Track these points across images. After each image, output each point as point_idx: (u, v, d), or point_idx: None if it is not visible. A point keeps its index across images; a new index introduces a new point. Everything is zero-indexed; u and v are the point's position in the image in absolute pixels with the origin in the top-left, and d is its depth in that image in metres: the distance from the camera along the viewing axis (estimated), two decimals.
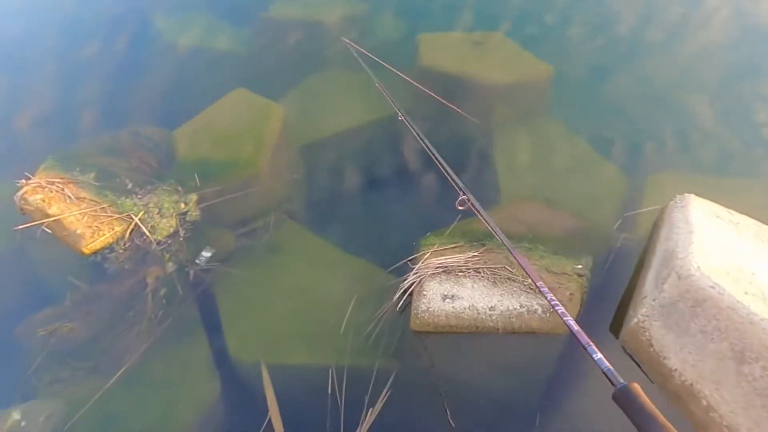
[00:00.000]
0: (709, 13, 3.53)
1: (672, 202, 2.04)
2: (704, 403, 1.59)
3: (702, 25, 3.47)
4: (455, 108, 2.00)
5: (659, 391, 1.74)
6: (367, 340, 1.98)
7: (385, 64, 2.43)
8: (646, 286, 1.84)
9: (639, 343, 1.77)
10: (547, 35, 3.49)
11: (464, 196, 1.85)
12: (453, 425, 1.87)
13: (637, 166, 2.67)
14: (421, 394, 1.91)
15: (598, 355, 1.20)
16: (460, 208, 1.86)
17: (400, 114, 2.25)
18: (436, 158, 1.98)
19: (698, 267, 1.58)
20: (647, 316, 1.72)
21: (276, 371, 1.94)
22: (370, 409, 1.79)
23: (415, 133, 2.11)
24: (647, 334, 1.73)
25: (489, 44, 3.16)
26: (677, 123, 2.87)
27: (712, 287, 1.52)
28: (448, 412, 1.85)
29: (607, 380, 1.22)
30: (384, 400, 1.83)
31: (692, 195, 2.01)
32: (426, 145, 2.04)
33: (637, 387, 1.09)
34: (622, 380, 1.11)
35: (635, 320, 1.77)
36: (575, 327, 1.31)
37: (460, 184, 1.89)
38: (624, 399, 1.08)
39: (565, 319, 1.34)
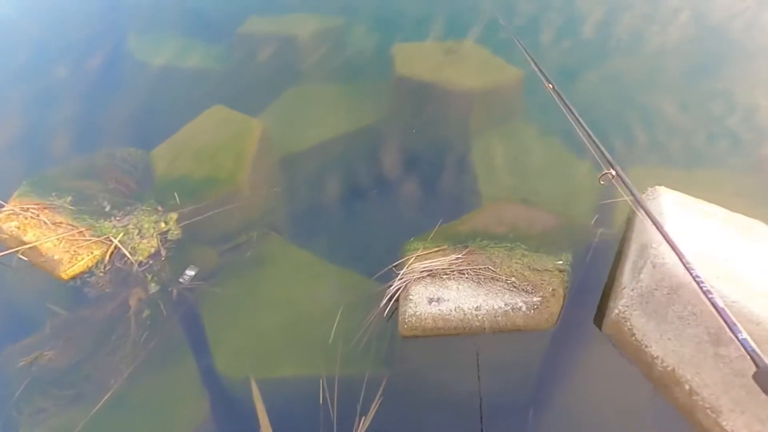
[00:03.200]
0: (670, 14, 3.69)
1: (644, 195, 2.10)
2: (687, 387, 1.63)
3: (664, 25, 3.63)
4: None
5: (645, 379, 1.79)
6: (356, 348, 1.98)
7: None
8: (624, 277, 1.89)
9: (622, 333, 1.81)
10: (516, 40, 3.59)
11: (609, 171, 1.70)
12: (448, 428, 1.88)
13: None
14: (413, 398, 1.92)
15: (743, 335, 1.18)
16: (602, 183, 1.76)
17: (548, 83, 2.16)
18: (585, 129, 1.88)
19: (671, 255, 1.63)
20: (627, 306, 1.76)
21: (266, 386, 1.92)
22: (363, 417, 1.79)
23: (563, 106, 2.04)
24: (628, 323, 1.77)
25: (461, 52, 3.23)
26: (645, 119, 2.98)
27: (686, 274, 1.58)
28: (442, 414, 1.86)
29: (752, 361, 1.17)
30: (376, 407, 1.82)
31: (663, 187, 2.08)
32: (575, 116, 1.95)
33: None
34: (767, 361, 1.11)
35: (616, 311, 1.81)
36: (720, 304, 1.28)
37: (609, 157, 1.75)
38: (764, 379, 1.09)
39: (709, 297, 1.29)
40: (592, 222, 2.33)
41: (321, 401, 1.84)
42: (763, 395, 1.19)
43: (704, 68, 3.28)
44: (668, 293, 1.63)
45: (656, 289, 1.66)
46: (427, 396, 1.91)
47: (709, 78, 3.21)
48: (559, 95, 2.11)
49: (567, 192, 2.60)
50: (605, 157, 1.81)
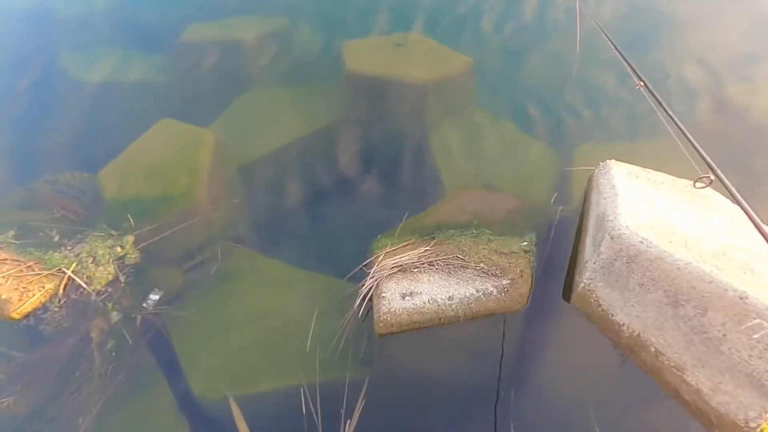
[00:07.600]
0: None
1: (596, 170, 2.18)
2: (653, 350, 1.71)
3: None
4: None
5: (615, 346, 1.87)
6: (334, 352, 1.96)
7: None
8: (586, 251, 1.96)
9: (589, 305, 1.88)
10: (461, 29, 3.64)
11: (706, 176, 1.48)
12: (434, 419, 1.90)
13: (563, 142, 2.84)
14: (396, 395, 1.92)
15: None
16: (698, 186, 1.56)
17: (639, 81, 1.90)
18: (680, 128, 1.67)
19: (627, 226, 1.70)
20: (591, 279, 1.83)
21: (246, 403, 1.87)
22: (348, 421, 1.77)
23: (656, 105, 1.82)
24: (594, 295, 1.84)
25: (409, 44, 3.24)
26: (590, 96, 3.09)
27: (641, 242, 1.65)
28: (427, 407, 1.87)
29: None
30: (360, 409, 1.81)
31: (613, 161, 2.17)
32: (669, 114, 1.74)
33: None
34: None
35: (582, 285, 1.88)
36: None
37: (708, 160, 1.49)
38: None
39: None
40: (552, 200, 2.39)
41: (304, 411, 1.81)
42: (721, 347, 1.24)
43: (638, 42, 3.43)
44: (627, 262, 1.69)
45: (616, 260, 1.72)
46: (409, 391, 1.92)
47: (641, 52, 3.36)
48: (652, 94, 1.88)
49: (525, 173, 2.66)
50: (704, 159, 1.55)
